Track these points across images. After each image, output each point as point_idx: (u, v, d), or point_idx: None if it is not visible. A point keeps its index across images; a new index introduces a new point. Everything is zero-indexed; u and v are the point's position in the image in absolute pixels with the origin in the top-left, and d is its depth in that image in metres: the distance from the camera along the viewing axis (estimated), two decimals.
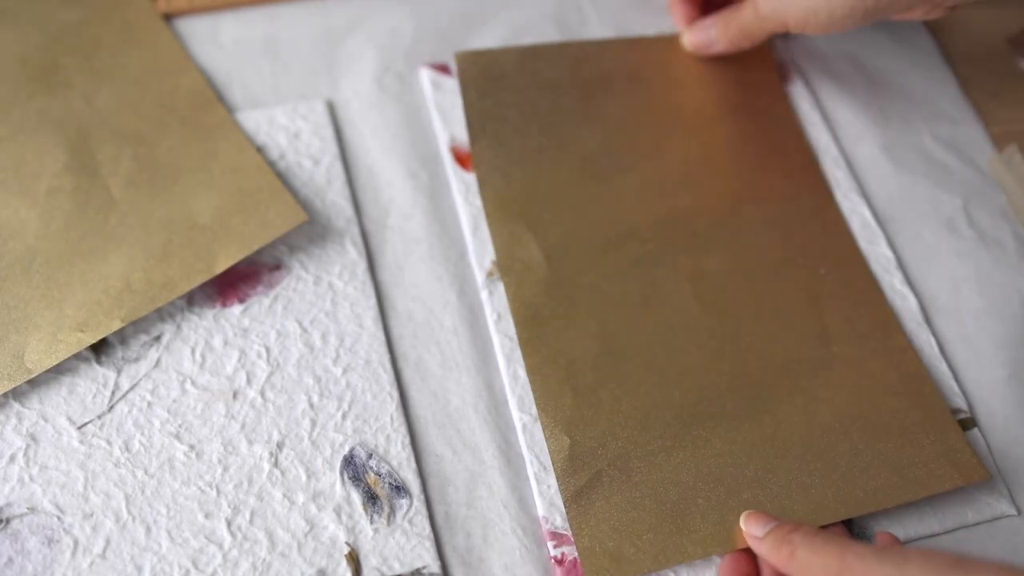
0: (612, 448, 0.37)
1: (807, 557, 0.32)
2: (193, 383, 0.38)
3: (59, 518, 0.34)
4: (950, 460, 0.38)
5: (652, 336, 0.40)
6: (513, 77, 0.46)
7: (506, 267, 0.41)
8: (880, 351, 0.41)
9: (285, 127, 0.44)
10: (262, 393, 0.38)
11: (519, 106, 0.45)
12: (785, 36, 0.49)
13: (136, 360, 0.38)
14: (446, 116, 0.45)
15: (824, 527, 0.36)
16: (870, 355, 0.40)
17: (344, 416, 0.37)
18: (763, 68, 0.48)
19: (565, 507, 0.36)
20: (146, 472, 0.36)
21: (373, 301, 0.40)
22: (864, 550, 0.30)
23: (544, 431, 0.37)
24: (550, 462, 0.37)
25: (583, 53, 0.47)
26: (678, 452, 0.37)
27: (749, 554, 0.35)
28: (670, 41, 0.48)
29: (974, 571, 0.28)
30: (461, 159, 0.44)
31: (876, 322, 0.41)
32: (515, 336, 0.40)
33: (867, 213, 0.45)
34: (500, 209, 0.42)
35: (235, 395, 0.37)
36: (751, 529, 0.35)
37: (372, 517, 0.35)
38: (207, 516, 0.35)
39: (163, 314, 0.39)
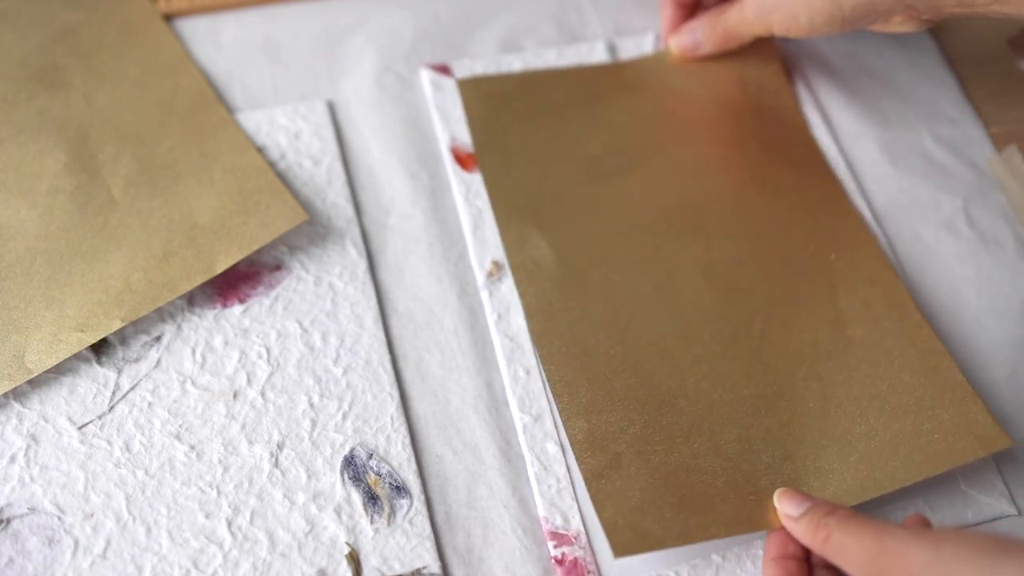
0: (630, 433, 0.37)
1: (842, 540, 0.31)
2: (193, 383, 0.38)
3: (60, 518, 0.34)
4: (970, 432, 0.37)
5: (665, 325, 0.40)
6: (515, 97, 0.46)
7: (516, 264, 0.41)
8: (897, 330, 0.40)
9: (285, 127, 0.44)
10: (262, 393, 0.38)
11: (523, 121, 0.45)
12: (783, 37, 0.49)
13: (136, 360, 0.38)
14: (446, 116, 0.45)
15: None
16: (887, 334, 0.40)
17: (344, 416, 0.37)
18: (767, 62, 0.48)
19: (586, 485, 0.36)
20: (147, 472, 0.36)
21: (373, 301, 0.40)
22: (901, 532, 0.30)
23: (561, 416, 0.38)
24: (550, 462, 0.37)
25: (582, 75, 0.47)
26: (695, 439, 0.37)
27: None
28: (666, 56, 0.48)
29: (1012, 553, 0.27)
30: (461, 159, 0.44)
31: (892, 302, 0.41)
32: (515, 336, 0.40)
33: (867, 213, 0.45)
34: (508, 210, 0.43)
35: (235, 395, 0.37)
36: (786, 509, 0.34)
37: (372, 517, 0.35)
38: (207, 516, 0.35)
39: (163, 314, 0.39)
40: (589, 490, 0.36)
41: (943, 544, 0.28)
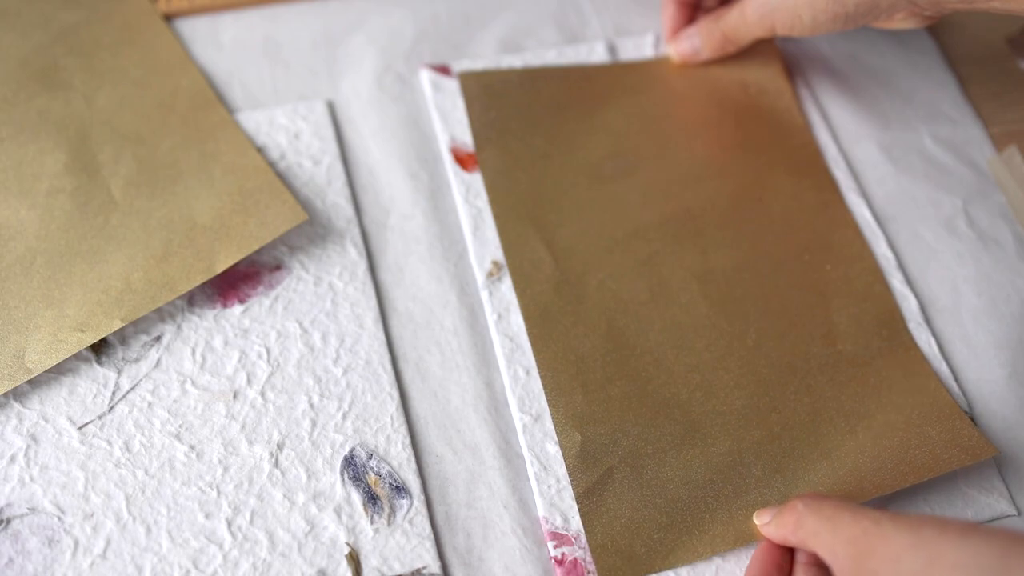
0: (623, 445, 0.37)
1: (816, 524, 0.31)
2: (193, 383, 0.38)
3: (59, 518, 0.34)
4: (956, 444, 0.38)
5: (660, 334, 0.40)
6: (516, 94, 0.46)
7: (515, 266, 0.41)
8: (885, 350, 0.41)
9: (285, 127, 0.44)
10: (262, 393, 0.38)
11: (523, 119, 0.45)
12: (784, 37, 0.49)
13: (136, 360, 0.38)
14: (446, 117, 0.45)
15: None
16: (876, 354, 0.40)
17: (344, 416, 0.37)
18: (768, 63, 0.48)
19: (577, 503, 0.36)
20: (146, 472, 0.36)
21: (373, 301, 0.40)
22: (879, 515, 0.30)
23: (555, 427, 0.38)
24: (550, 462, 0.37)
25: (583, 75, 0.47)
26: (687, 450, 0.37)
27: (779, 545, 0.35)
28: (667, 62, 0.48)
29: (986, 535, 0.28)
30: (461, 159, 0.44)
31: (882, 319, 0.41)
32: (515, 336, 0.40)
33: (867, 213, 0.45)
34: (507, 211, 0.43)
35: (235, 395, 0.37)
36: (760, 519, 0.35)
37: (372, 517, 0.35)
38: (207, 516, 0.35)
39: (163, 314, 0.39)
40: (580, 508, 0.36)
41: (923, 527, 0.29)
